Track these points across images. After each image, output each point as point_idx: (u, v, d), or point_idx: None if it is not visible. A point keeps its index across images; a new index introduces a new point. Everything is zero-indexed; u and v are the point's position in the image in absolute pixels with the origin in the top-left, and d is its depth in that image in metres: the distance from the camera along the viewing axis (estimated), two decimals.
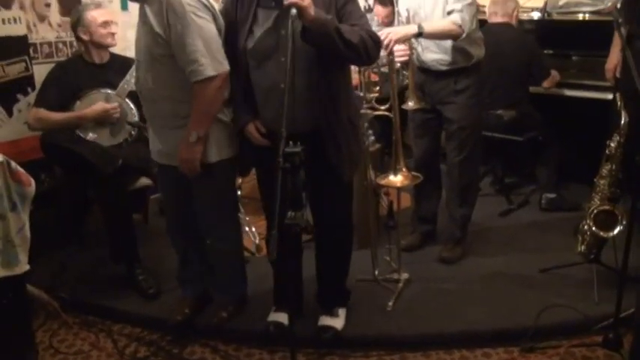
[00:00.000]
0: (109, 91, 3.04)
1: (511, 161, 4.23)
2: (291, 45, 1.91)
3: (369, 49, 2.12)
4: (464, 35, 2.76)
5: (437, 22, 2.79)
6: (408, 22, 2.89)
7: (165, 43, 2.17)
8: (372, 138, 3.19)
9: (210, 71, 2.16)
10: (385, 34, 2.60)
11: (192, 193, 2.48)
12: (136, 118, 3.06)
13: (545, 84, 3.84)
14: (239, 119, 2.31)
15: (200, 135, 2.26)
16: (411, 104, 2.83)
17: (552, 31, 4.19)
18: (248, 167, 2.58)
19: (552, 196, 3.82)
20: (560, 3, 4.34)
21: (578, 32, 4.09)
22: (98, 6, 3.12)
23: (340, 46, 2.04)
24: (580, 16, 4.09)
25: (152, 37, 2.20)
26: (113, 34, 3.07)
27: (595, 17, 3.96)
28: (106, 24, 3.03)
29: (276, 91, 2.10)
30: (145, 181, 3.22)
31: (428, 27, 2.70)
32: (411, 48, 2.84)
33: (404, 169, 2.73)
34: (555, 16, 4.21)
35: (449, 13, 2.78)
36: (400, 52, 2.76)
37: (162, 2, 2.14)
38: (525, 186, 4.19)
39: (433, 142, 3.18)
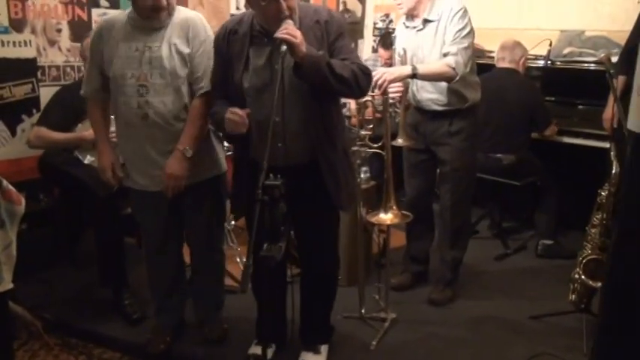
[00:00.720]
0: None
1: (509, 205, 4.21)
2: (280, 80, 1.97)
3: (360, 82, 2.15)
4: (457, 78, 2.78)
5: (431, 64, 2.83)
6: (405, 62, 2.93)
7: (188, 63, 2.35)
8: (365, 175, 3.22)
9: (209, 86, 2.35)
10: (380, 74, 2.64)
11: (182, 214, 2.53)
12: None
13: (546, 132, 3.85)
14: (218, 113, 2.21)
15: (194, 151, 2.34)
16: (400, 141, 2.84)
17: (555, 79, 4.22)
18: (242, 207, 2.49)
19: (549, 242, 3.78)
20: (564, 52, 4.39)
21: (581, 81, 4.11)
22: None
23: (332, 82, 2.08)
24: (583, 66, 4.13)
25: (180, 59, 2.34)
26: None
27: (598, 67, 3.99)
28: None
29: (270, 125, 2.13)
30: None
31: (422, 68, 2.74)
32: (406, 86, 2.88)
33: (394, 208, 2.73)
34: (559, 65, 4.25)
35: (444, 55, 2.81)
36: (394, 88, 2.80)
37: (188, 25, 2.35)
38: (523, 231, 4.16)
39: (426, 182, 3.18)
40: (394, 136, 2.91)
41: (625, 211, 0.85)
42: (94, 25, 3.63)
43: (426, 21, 2.88)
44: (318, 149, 2.21)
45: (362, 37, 5.69)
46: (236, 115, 2.09)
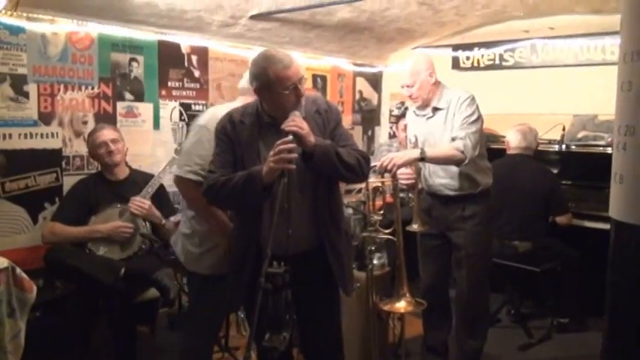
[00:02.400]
0: (124, 206, 3.15)
1: (530, 291, 4.08)
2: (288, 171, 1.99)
3: (363, 167, 2.22)
4: (467, 161, 2.80)
5: (439, 148, 2.87)
6: (416, 147, 2.98)
7: None
8: (380, 261, 3.18)
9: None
10: (389, 158, 2.68)
11: None
12: (148, 231, 3.14)
13: (560, 219, 3.79)
14: (240, 175, 2.13)
15: None
16: (415, 226, 2.84)
17: (571, 163, 4.23)
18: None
19: (565, 321, 3.67)
20: (579, 136, 4.42)
21: (597, 164, 4.09)
22: (101, 128, 3.29)
23: (340, 169, 2.13)
24: (599, 149, 4.14)
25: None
26: (110, 152, 3.19)
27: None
28: (103, 144, 3.19)
29: (281, 213, 2.14)
30: (154, 292, 3.24)
31: (430, 151, 2.77)
32: (417, 171, 2.90)
33: (407, 295, 2.67)
34: (574, 149, 4.26)
35: (453, 139, 2.86)
36: (405, 175, 2.83)
37: None
38: (547, 317, 4.00)
39: (442, 268, 3.12)
40: (408, 222, 2.92)
41: (612, 303, 0.83)
42: (118, 117, 3.82)
43: (435, 109, 2.96)
44: (324, 235, 2.22)
45: (378, 124, 5.83)
46: (284, 143, 1.99)
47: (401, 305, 2.67)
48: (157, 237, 3.21)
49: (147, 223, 3.16)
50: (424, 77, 2.92)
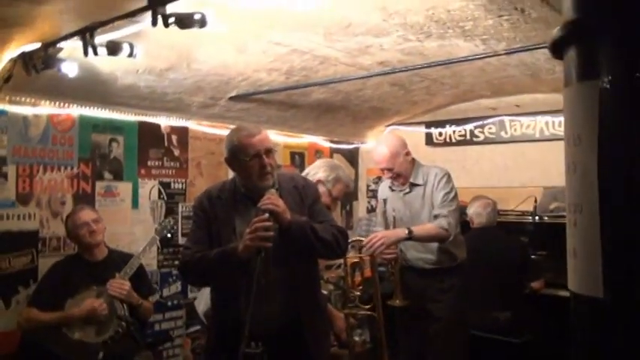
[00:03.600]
0: (101, 288, 3.10)
1: None
2: (264, 249, 2.02)
3: (340, 243, 2.25)
4: (451, 238, 2.88)
5: (425, 227, 2.95)
6: (393, 222, 3.04)
7: None
8: (360, 338, 3.16)
9: None
10: (378, 237, 2.75)
11: None
12: (125, 313, 3.08)
13: (535, 285, 3.86)
14: (215, 252, 2.16)
15: None
16: (397, 302, 2.86)
17: (544, 234, 4.32)
18: None
19: None
20: (551, 207, 4.55)
21: None
22: (81, 209, 3.28)
23: (316, 245, 2.16)
24: None
25: None
26: (92, 232, 3.17)
27: None
28: (85, 224, 3.17)
29: (258, 290, 2.14)
30: None
31: (417, 231, 2.86)
32: (397, 247, 2.96)
33: None
34: (546, 220, 4.37)
35: (435, 217, 2.94)
36: (387, 250, 2.88)
37: None
38: None
39: (420, 341, 3.12)
40: (389, 296, 2.93)
41: None
42: (97, 197, 3.83)
43: (413, 185, 3.08)
44: (302, 312, 2.21)
45: (356, 198, 5.92)
46: (260, 221, 2.02)
47: None
48: (135, 318, 3.15)
49: (124, 305, 3.10)
50: (402, 159, 3.06)
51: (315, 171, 2.83)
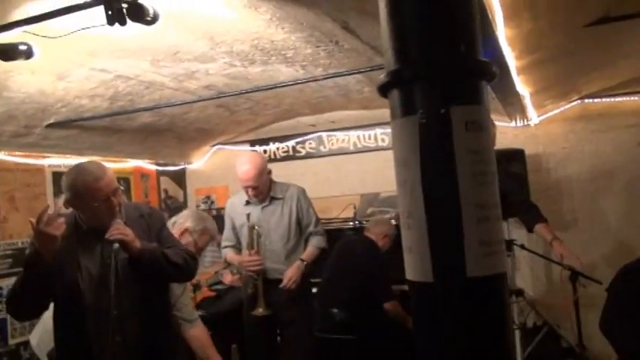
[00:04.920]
0: None
1: None
2: (115, 275, 2.02)
3: (190, 266, 2.31)
4: None
5: (312, 253, 3.30)
6: (258, 237, 3.21)
7: None
8: None
9: None
10: (289, 279, 3.15)
11: None
12: None
13: (386, 306, 3.88)
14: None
15: None
16: (260, 310, 3.09)
17: None
18: None
19: None
20: (368, 212, 5.07)
21: None
22: None
23: (168, 270, 2.19)
24: None
25: None
26: None
27: (398, 222, 4.64)
28: None
29: (108, 318, 2.09)
30: None
31: (309, 260, 3.24)
32: (262, 259, 3.16)
33: None
34: (365, 223, 4.83)
35: (310, 234, 3.31)
36: (254, 262, 3.12)
37: None
38: None
39: (270, 351, 3.29)
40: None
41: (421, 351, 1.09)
42: None
43: (273, 198, 3.31)
44: (158, 334, 2.23)
45: None
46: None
47: None
48: None
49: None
50: (265, 177, 3.29)
51: (183, 220, 2.85)
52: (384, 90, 1.12)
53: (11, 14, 2.09)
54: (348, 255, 3.98)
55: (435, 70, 1.05)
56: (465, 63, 1.06)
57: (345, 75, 3.24)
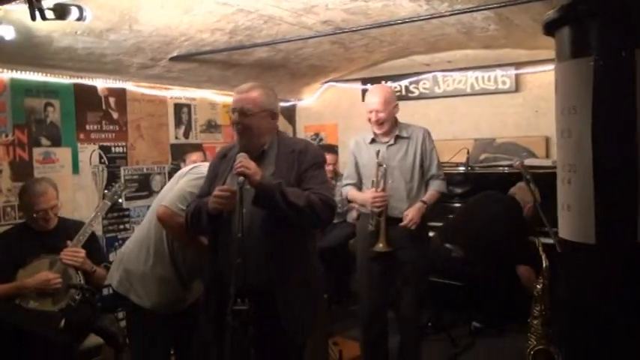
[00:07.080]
0: (54, 256, 3.03)
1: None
2: (240, 204, 2.08)
3: (318, 211, 2.18)
4: None
5: (432, 197, 3.25)
6: (384, 174, 3.19)
7: None
8: None
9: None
10: (410, 220, 3.13)
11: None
12: (81, 281, 3.05)
13: (521, 269, 3.87)
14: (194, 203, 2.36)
15: None
16: (380, 246, 3.12)
17: (476, 183, 4.61)
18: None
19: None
20: (481, 158, 4.86)
21: (500, 182, 4.50)
22: (44, 192, 3.07)
23: (285, 209, 2.14)
24: (498, 169, 4.57)
25: None
26: (48, 220, 3.08)
27: (512, 170, 4.42)
28: (42, 211, 3.05)
29: (233, 245, 2.14)
30: (94, 339, 3.14)
31: (430, 202, 3.22)
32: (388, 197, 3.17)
33: None
34: (478, 170, 4.67)
35: (432, 177, 3.26)
36: (379, 198, 3.13)
37: None
38: (463, 325, 4.26)
39: (386, 289, 3.31)
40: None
41: (570, 314, 1.01)
42: (35, 164, 3.69)
43: (398, 137, 3.27)
44: (275, 276, 2.21)
45: None
46: (224, 190, 2.18)
47: None
48: (89, 285, 3.12)
49: (79, 272, 3.07)
50: (392, 108, 3.24)
51: None
52: (550, 27, 1.00)
53: None
54: (494, 206, 3.96)
55: (618, 6, 0.91)
56: None
57: (474, 11, 3.02)
